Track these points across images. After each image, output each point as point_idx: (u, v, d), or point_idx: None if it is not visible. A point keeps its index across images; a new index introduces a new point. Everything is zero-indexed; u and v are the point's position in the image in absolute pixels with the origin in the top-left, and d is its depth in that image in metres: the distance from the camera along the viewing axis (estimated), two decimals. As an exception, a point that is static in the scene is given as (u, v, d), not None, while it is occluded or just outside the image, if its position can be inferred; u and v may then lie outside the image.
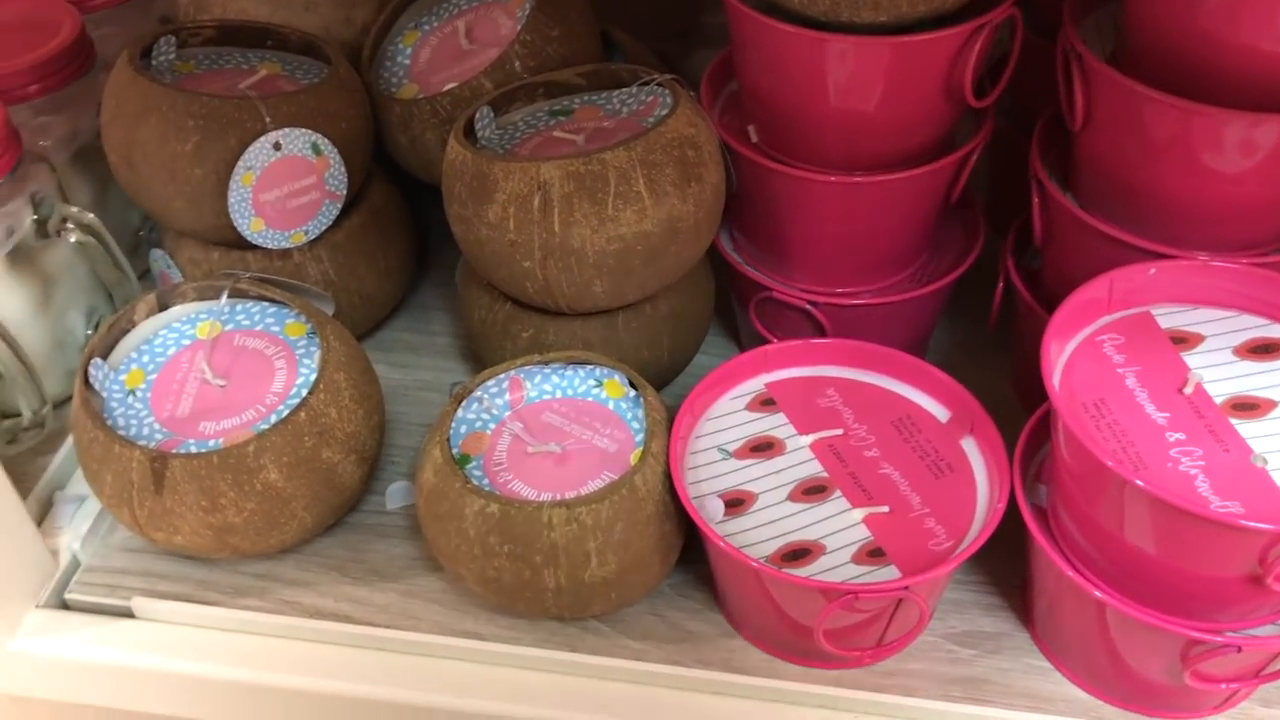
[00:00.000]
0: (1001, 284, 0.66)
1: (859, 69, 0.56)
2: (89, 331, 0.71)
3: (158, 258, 0.69)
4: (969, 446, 0.57)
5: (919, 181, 0.61)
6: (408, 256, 0.74)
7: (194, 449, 0.56)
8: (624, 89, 0.64)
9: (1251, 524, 0.44)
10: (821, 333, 0.66)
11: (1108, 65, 0.54)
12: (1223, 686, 0.51)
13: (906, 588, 0.50)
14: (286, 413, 0.57)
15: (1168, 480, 0.47)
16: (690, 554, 0.59)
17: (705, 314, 0.67)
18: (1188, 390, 0.50)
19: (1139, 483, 0.45)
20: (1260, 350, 0.52)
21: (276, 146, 0.62)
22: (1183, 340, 0.53)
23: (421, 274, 0.80)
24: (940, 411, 0.59)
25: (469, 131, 0.62)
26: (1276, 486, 0.46)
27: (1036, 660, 0.57)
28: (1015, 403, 0.68)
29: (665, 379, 0.67)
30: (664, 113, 0.62)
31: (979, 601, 0.60)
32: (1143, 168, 0.55)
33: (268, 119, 0.61)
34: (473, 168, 0.58)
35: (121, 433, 0.57)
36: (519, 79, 0.65)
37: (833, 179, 0.60)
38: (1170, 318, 0.54)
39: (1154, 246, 0.56)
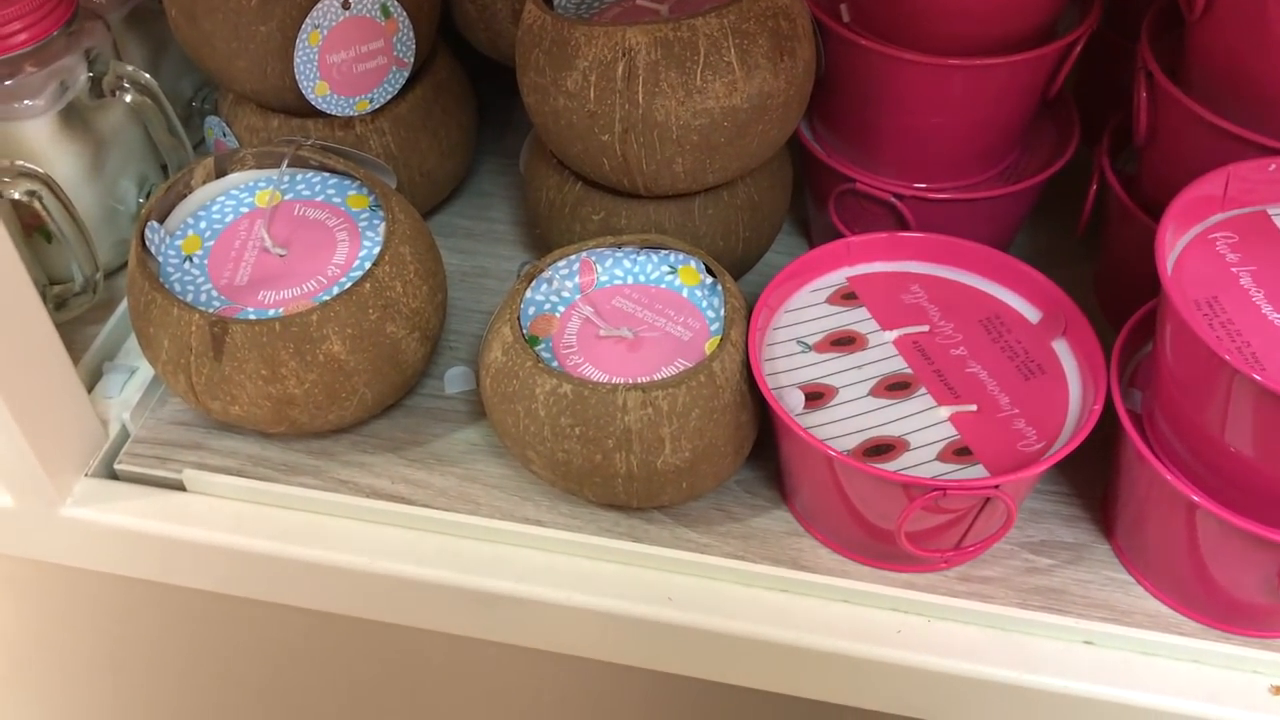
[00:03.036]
0: (1095, 185, 0.63)
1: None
2: (141, 200, 0.68)
3: (214, 125, 0.67)
4: (1061, 348, 0.55)
5: (1018, 69, 0.58)
6: (470, 136, 0.71)
7: (253, 317, 0.54)
8: (709, -38, 0.61)
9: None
10: (905, 228, 0.63)
11: (1239, -56, 0.50)
12: (1320, 604, 0.49)
13: (997, 486, 0.48)
14: (350, 284, 0.55)
15: (1286, 382, 0.44)
16: (758, 451, 0.57)
17: (783, 206, 0.65)
18: (1310, 290, 0.48)
19: (1257, 377, 0.43)
20: (1386, 254, 0.49)
21: (345, 5, 0.59)
22: (1302, 241, 0.50)
23: (480, 160, 0.77)
24: (1031, 312, 0.56)
25: (546, -1, 0.59)
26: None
27: (1117, 573, 0.55)
28: (1101, 315, 0.66)
29: (738, 272, 0.65)
30: (754, -15, 0.58)
31: (1058, 512, 0.58)
32: (1267, 57, 0.51)
33: (337, -25, 0.58)
34: (552, 32, 0.55)
35: (179, 297, 0.55)
36: (599, -54, 0.61)
37: (929, 61, 0.57)
38: (1288, 218, 0.51)
39: (1274, 143, 0.52)
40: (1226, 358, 0.43)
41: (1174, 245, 0.50)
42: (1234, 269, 0.49)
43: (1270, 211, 0.51)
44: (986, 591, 0.54)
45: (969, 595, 0.54)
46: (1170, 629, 0.53)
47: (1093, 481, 0.58)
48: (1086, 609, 0.54)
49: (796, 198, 0.68)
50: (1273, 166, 0.51)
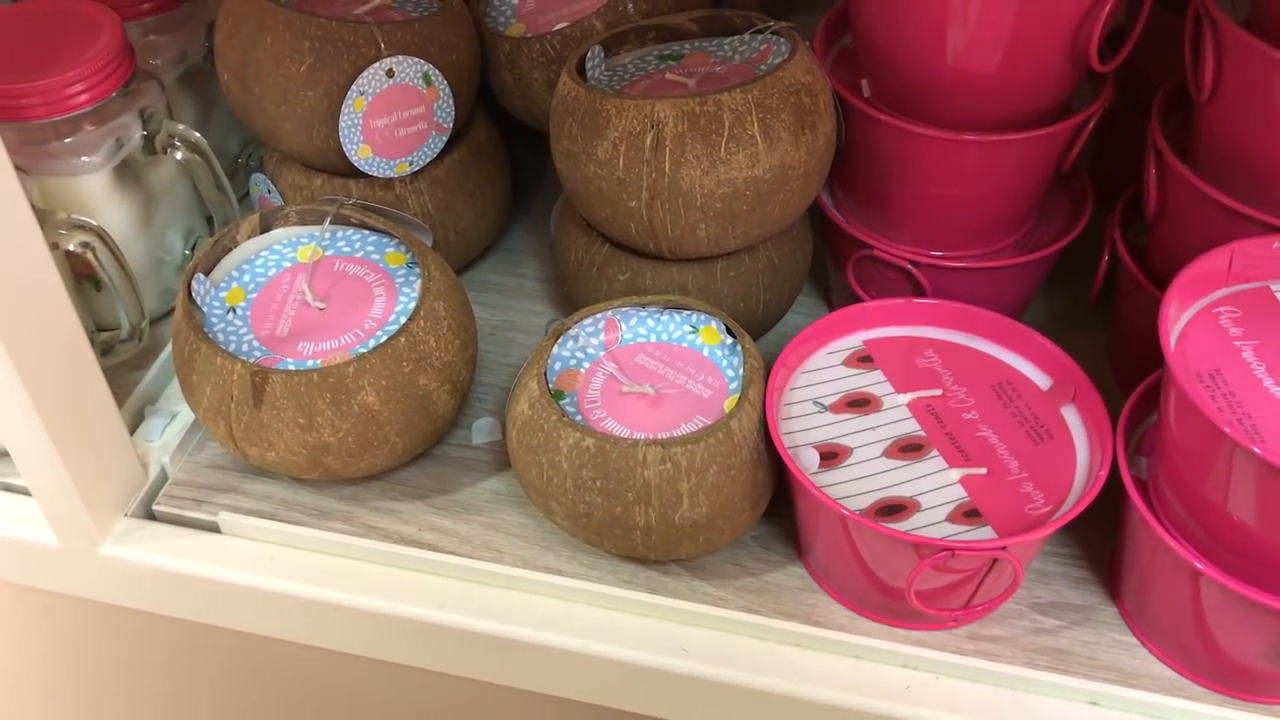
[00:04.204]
0: (1107, 256, 0.65)
1: (982, 25, 0.55)
2: (186, 252, 0.71)
3: (259, 181, 0.70)
4: (1069, 415, 0.56)
5: (1034, 145, 0.60)
6: (504, 197, 0.74)
7: (292, 367, 0.56)
8: (735, 36, 0.64)
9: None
10: (921, 294, 0.65)
11: (1244, 30, 0.52)
12: (1322, 671, 0.50)
13: (1004, 548, 0.50)
14: (385, 338, 0.57)
15: (1285, 454, 0.46)
16: (774, 508, 0.58)
17: (803, 270, 0.67)
18: (1310, 366, 0.49)
19: (1256, 450, 0.44)
20: (1386, 331, 0.51)
21: (390, 74, 0.62)
22: (1304, 317, 0.52)
23: (512, 219, 0.80)
24: (1041, 379, 0.58)
25: (580, 70, 0.61)
26: (1399, 466, 0.45)
27: (1123, 635, 0.56)
28: (1111, 381, 0.67)
29: (758, 332, 0.67)
30: (779, 60, 0.61)
31: (1067, 574, 0.59)
32: (1272, 140, 0.53)
33: (383, 45, 0.61)
34: (585, 104, 0.57)
35: (222, 347, 0.57)
36: (631, 21, 0.64)
37: (946, 136, 0.59)
38: (1291, 294, 0.53)
39: (1278, 221, 0.54)
40: (1227, 430, 0.45)
41: (1178, 318, 0.51)
42: (1236, 343, 0.51)
43: (1274, 287, 0.53)
44: (994, 650, 0.55)
45: (977, 654, 0.55)
46: (1175, 692, 0.54)
47: (1100, 545, 0.59)
48: (1092, 670, 0.55)
49: (816, 262, 0.70)
50: (1277, 244, 0.53)
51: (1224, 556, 0.49)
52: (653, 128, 0.55)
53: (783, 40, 0.62)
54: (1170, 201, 0.60)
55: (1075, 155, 0.63)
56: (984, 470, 0.54)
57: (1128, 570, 0.55)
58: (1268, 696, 0.53)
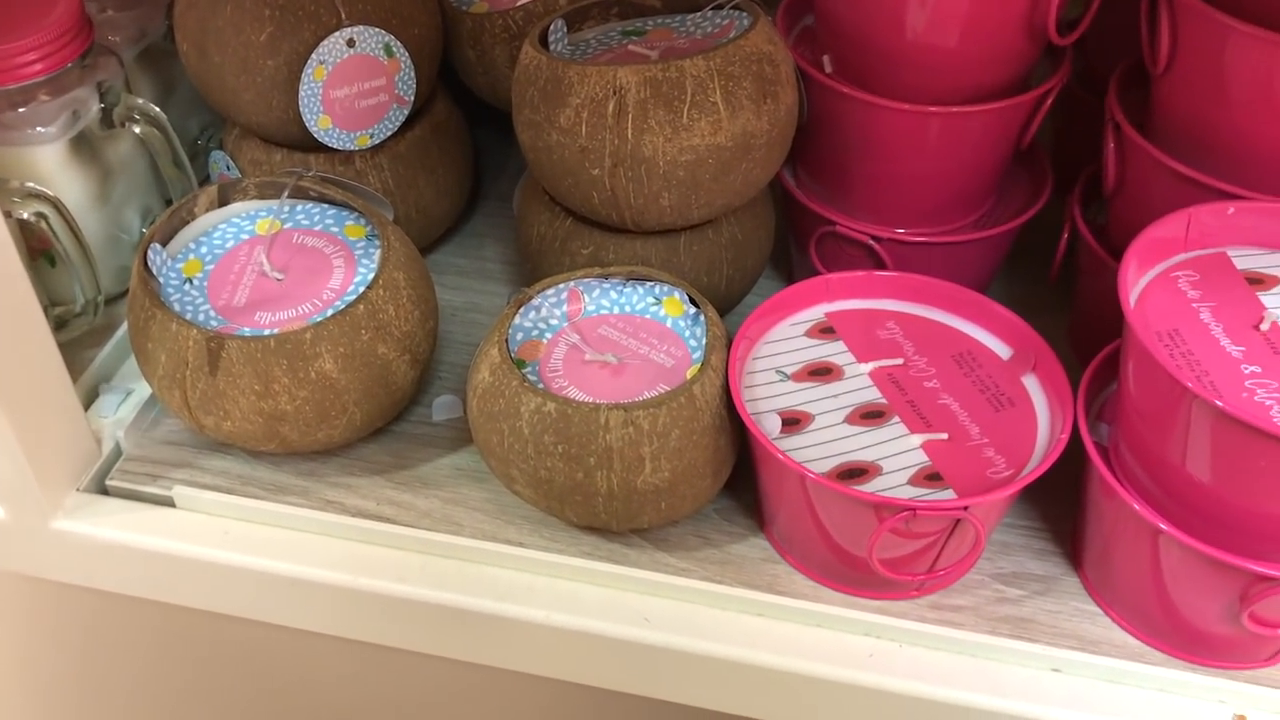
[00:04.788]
0: (1067, 234, 0.65)
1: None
2: (144, 230, 0.70)
3: (218, 159, 0.69)
4: (1030, 383, 0.57)
5: (993, 118, 0.61)
6: (466, 177, 0.74)
7: (249, 335, 0.56)
8: (698, 12, 0.64)
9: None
10: (883, 270, 0.65)
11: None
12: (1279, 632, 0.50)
13: (966, 508, 0.50)
14: (344, 306, 0.56)
15: (1243, 408, 0.46)
16: (735, 481, 0.58)
17: (765, 244, 0.67)
18: (1264, 327, 0.50)
19: (1218, 402, 0.44)
20: (1339, 293, 0.51)
21: (350, 43, 0.61)
22: (1259, 281, 0.52)
23: (474, 205, 0.80)
24: (1002, 349, 0.58)
25: (542, 44, 0.61)
26: (1354, 419, 0.45)
27: (1085, 604, 0.56)
28: (1074, 359, 0.68)
29: (722, 310, 0.67)
30: (740, 32, 0.61)
31: (1028, 545, 0.59)
32: (1227, 109, 0.54)
33: (343, 14, 0.61)
34: (547, 71, 0.57)
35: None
36: (594, -4, 0.64)
37: (906, 108, 0.60)
38: (1247, 259, 0.53)
39: (1234, 189, 0.55)
40: (1188, 384, 0.45)
41: (1137, 281, 0.52)
42: (1195, 305, 0.51)
43: (1230, 253, 0.54)
44: (957, 619, 0.55)
45: (940, 622, 0.55)
46: (1136, 658, 0.54)
47: (1062, 516, 0.60)
48: (1055, 638, 0.55)
49: (779, 246, 0.70)
50: (1232, 210, 0.53)
51: (1183, 517, 0.49)
52: (615, 94, 0.55)
53: (745, 16, 0.62)
54: (1129, 174, 0.60)
55: (1034, 131, 0.64)
56: (945, 435, 0.54)
57: (1090, 538, 0.56)
58: (1228, 661, 0.53)
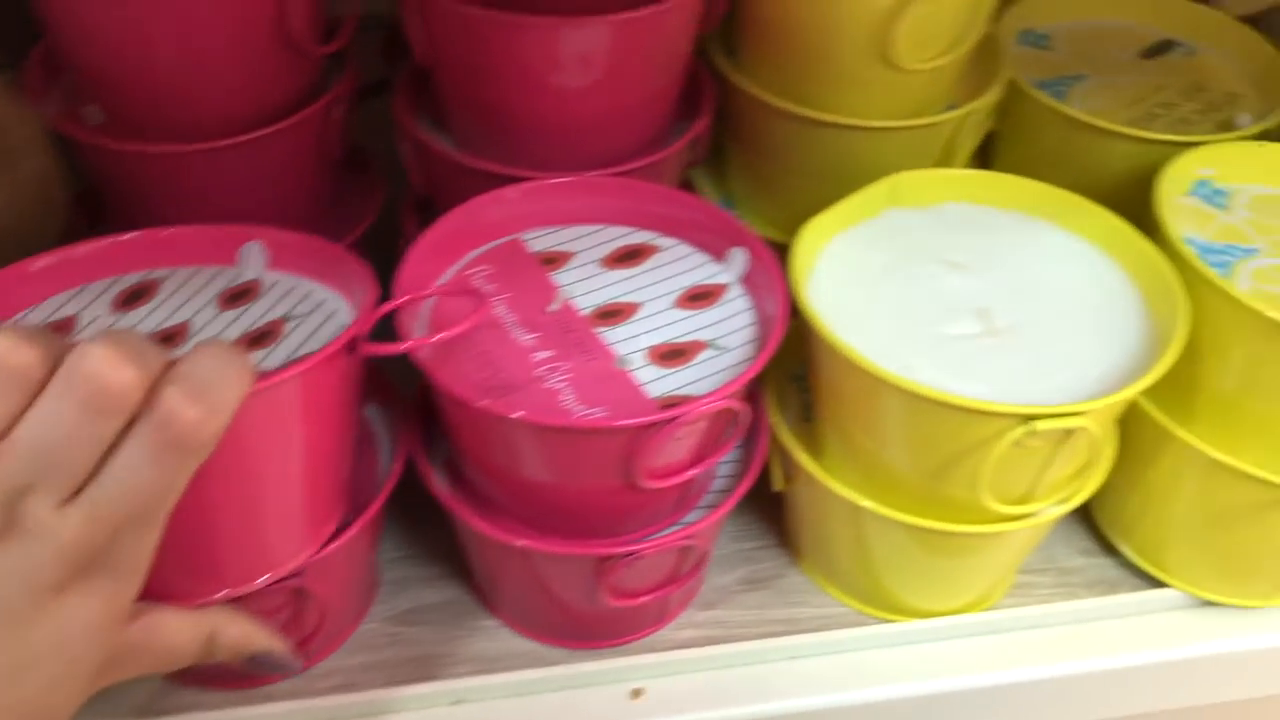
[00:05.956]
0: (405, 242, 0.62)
1: (157, 28, 0.51)
2: None
3: None
4: (372, 413, 0.53)
5: (276, 140, 0.56)
6: None
7: None
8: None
9: (610, 424, 0.43)
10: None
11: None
12: (646, 598, 0.50)
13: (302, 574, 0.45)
14: None
15: (535, 400, 0.45)
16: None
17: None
18: (553, 308, 0.49)
19: (520, 417, 0.42)
20: (625, 258, 0.52)
21: None
22: (552, 260, 0.52)
23: None
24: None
25: None
26: (636, 386, 0.46)
27: (483, 620, 0.54)
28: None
29: None
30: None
31: (419, 576, 0.56)
32: (492, 92, 0.53)
33: None
34: None
35: None
36: None
37: (178, 148, 0.54)
38: (540, 240, 0.53)
39: (525, 174, 0.54)
40: (481, 404, 0.43)
41: (421, 307, 0.49)
42: (493, 300, 0.49)
43: (524, 237, 0.53)
44: (352, 680, 0.51)
45: (334, 690, 0.51)
46: (537, 662, 0.52)
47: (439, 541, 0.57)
48: (456, 666, 0.52)
49: None
50: (512, 194, 0.52)
51: (533, 517, 0.48)
52: None
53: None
54: (434, 177, 0.59)
55: (338, 144, 0.60)
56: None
57: (472, 557, 0.53)
58: (619, 637, 0.53)
